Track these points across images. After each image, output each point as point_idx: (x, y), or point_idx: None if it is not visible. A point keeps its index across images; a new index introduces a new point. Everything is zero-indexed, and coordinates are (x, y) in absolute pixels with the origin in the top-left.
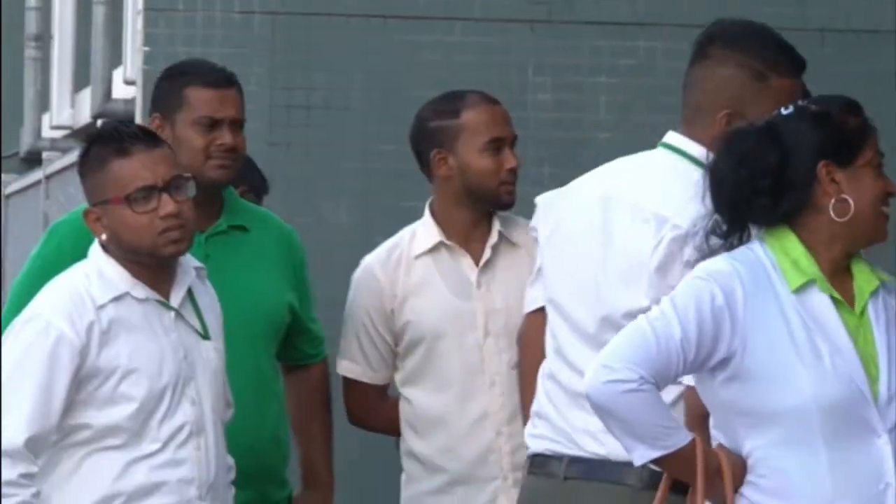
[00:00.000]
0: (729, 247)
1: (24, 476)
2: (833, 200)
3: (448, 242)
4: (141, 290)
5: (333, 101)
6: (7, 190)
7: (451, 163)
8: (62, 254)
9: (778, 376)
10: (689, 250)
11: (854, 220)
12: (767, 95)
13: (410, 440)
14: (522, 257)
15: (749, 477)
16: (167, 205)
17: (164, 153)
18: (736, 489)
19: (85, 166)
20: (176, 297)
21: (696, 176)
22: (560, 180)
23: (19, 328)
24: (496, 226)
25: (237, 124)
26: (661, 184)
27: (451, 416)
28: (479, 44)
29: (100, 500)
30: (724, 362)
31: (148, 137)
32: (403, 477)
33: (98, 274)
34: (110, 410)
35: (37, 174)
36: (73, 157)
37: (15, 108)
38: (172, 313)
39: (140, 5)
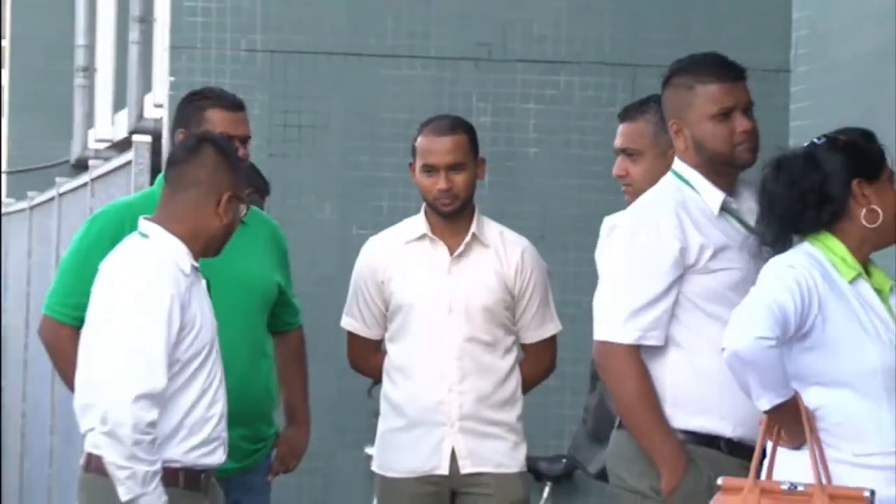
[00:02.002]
0: (776, 251)
1: (153, 424)
2: (864, 210)
3: (431, 235)
4: (191, 263)
5: (319, 121)
6: (61, 190)
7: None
8: (102, 238)
9: (850, 346)
10: None
11: (881, 226)
12: (696, 100)
13: (387, 386)
14: (490, 255)
15: (820, 425)
16: (243, 210)
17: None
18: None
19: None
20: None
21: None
22: (497, 185)
23: (145, 296)
24: (472, 227)
25: (244, 140)
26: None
27: (416, 372)
28: (434, 77)
29: (170, 431)
30: (806, 334)
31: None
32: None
33: (172, 251)
34: (186, 356)
35: (84, 177)
36: (113, 164)
37: (66, 125)
38: (204, 282)
39: (167, 44)
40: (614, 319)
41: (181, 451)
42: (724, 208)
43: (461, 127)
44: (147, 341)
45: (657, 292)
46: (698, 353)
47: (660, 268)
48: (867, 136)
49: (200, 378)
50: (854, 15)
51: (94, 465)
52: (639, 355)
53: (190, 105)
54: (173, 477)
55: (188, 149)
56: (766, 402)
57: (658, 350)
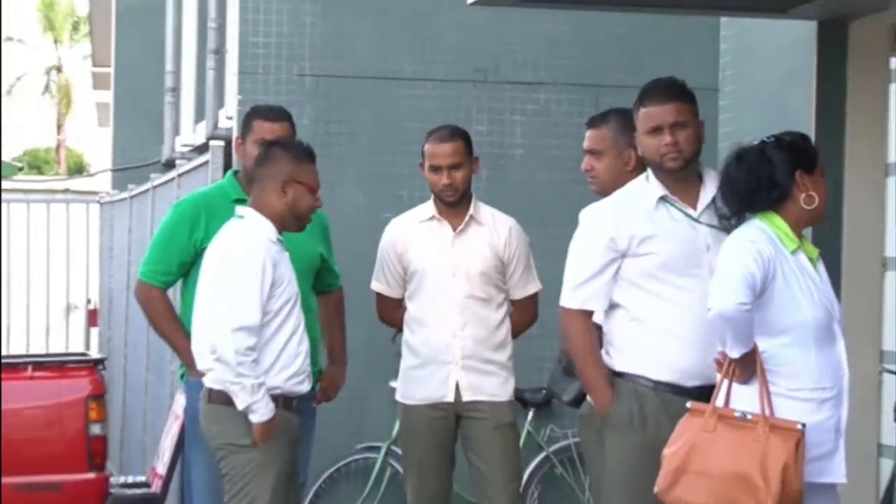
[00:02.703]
0: (731, 226)
1: (252, 348)
2: (804, 195)
3: (438, 217)
4: (277, 237)
5: (352, 130)
6: (154, 183)
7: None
8: (183, 220)
9: (791, 304)
10: None
11: (815, 208)
12: (638, 120)
13: (406, 333)
14: (484, 231)
15: (764, 366)
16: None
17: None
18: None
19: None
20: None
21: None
22: (491, 179)
23: (244, 256)
24: (470, 210)
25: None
26: None
27: (428, 322)
28: (441, 95)
29: (270, 365)
30: (761, 295)
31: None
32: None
33: (262, 226)
34: (277, 306)
35: (172, 174)
36: (194, 163)
37: (158, 133)
38: (287, 253)
39: (236, 70)
40: (566, 290)
41: (280, 381)
42: (666, 200)
43: (458, 134)
44: (246, 290)
45: (593, 271)
46: (636, 315)
47: (594, 252)
48: (804, 138)
49: (290, 323)
50: (771, 43)
51: (214, 397)
52: (584, 317)
53: (245, 118)
54: (274, 401)
55: (260, 155)
56: (736, 353)
57: (610, 311)
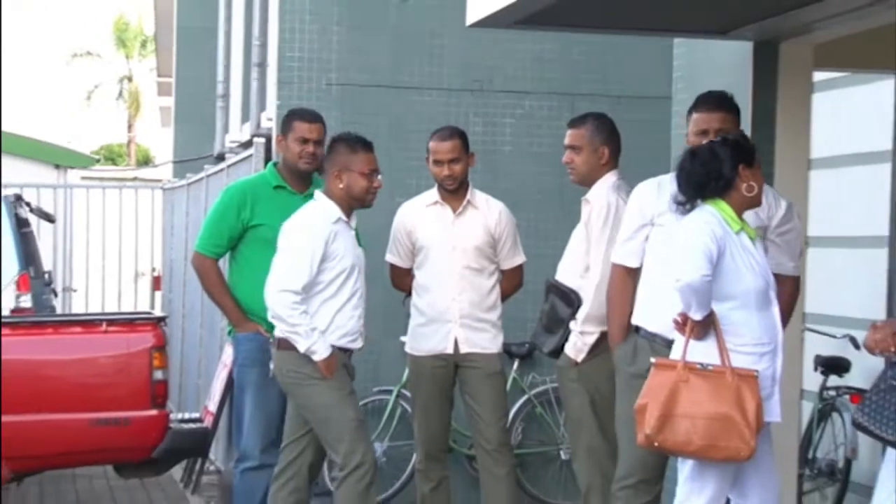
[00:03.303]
0: (685, 210)
1: (297, 303)
2: (745, 185)
3: (441, 201)
4: (339, 216)
5: (371, 131)
6: (207, 173)
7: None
8: (231, 203)
9: (736, 275)
10: None
11: (754, 196)
12: (690, 122)
13: (414, 297)
14: (479, 214)
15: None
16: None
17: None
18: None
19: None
20: (352, 223)
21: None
22: (484, 170)
23: (300, 232)
24: (468, 196)
25: (318, 142)
26: None
27: (432, 288)
28: (445, 101)
29: (326, 325)
30: (714, 268)
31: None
32: (411, 316)
33: (325, 208)
34: (331, 277)
35: (222, 165)
36: (240, 156)
37: (211, 131)
38: (352, 232)
39: (275, 80)
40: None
41: (334, 339)
42: None
43: (457, 134)
44: (295, 260)
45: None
46: (646, 280)
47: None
48: (745, 137)
49: (345, 290)
50: (715, 59)
51: (282, 345)
52: (620, 269)
53: (285, 119)
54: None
55: (327, 149)
56: (699, 315)
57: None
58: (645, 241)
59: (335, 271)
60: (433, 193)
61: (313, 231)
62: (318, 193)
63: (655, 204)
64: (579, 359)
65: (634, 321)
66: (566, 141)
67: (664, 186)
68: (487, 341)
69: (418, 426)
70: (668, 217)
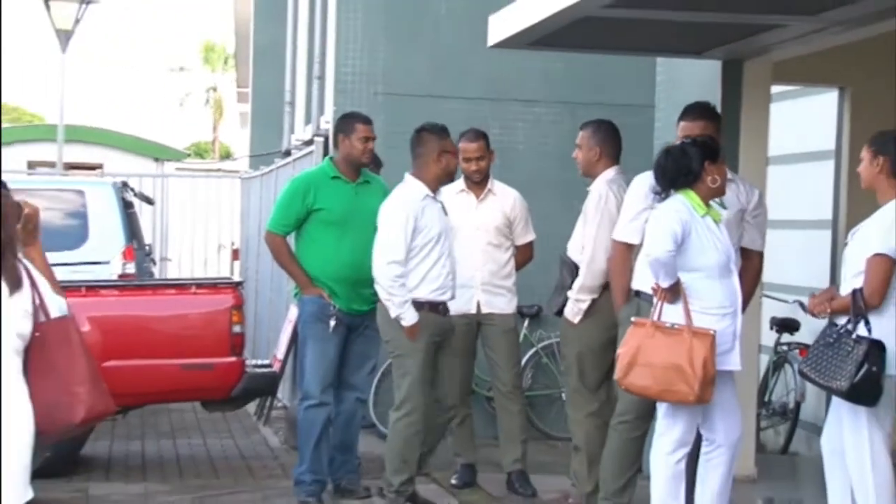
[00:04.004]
0: (662, 199)
1: (399, 276)
2: (710, 178)
3: (467, 190)
4: (426, 194)
5: (409, 130)
6: (277, 165)
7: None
8: (297, 190)
9: (701, 251)
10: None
11: (718, 187)
12: (678, 129)
13: None
14: (498, 200)
15: (686, 292)
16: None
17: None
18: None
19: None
20: (438, 197)
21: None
22: (502, 165)
23: (393, 210)
24: (489, 185)
25: (373, 140)
26: None
27: (458, 259)
28: (469, 108)
29: (418, 282)
30: (681, 245)
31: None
32: None
33: (413, 187)
34: (422, 243)
35: (289, 160)
36: (303, 152)
37: (279, 131)
38: (438, 205)
39: (332, 90)
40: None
41: (425, 293)
42: None
43: (481, 136)
44: (393, 233)
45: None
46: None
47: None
48: (714, 140)
49: (434, 254)
50: (690, 74)
51: (381, 306)
52: (622, 246)
53: (346, 121)
54: (421, 307)
55: (414, 140)
56: (666, 283)
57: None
58: (645, 223)
59: (425, 239)
60: (460, 183)
61: (405, 209)
62: (407, 176)
63: (650, 196)
64: (575, 320)
65: (635, 286)
66: (576, 141)
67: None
68: (504, 304)
69: (427, 372)
70: None
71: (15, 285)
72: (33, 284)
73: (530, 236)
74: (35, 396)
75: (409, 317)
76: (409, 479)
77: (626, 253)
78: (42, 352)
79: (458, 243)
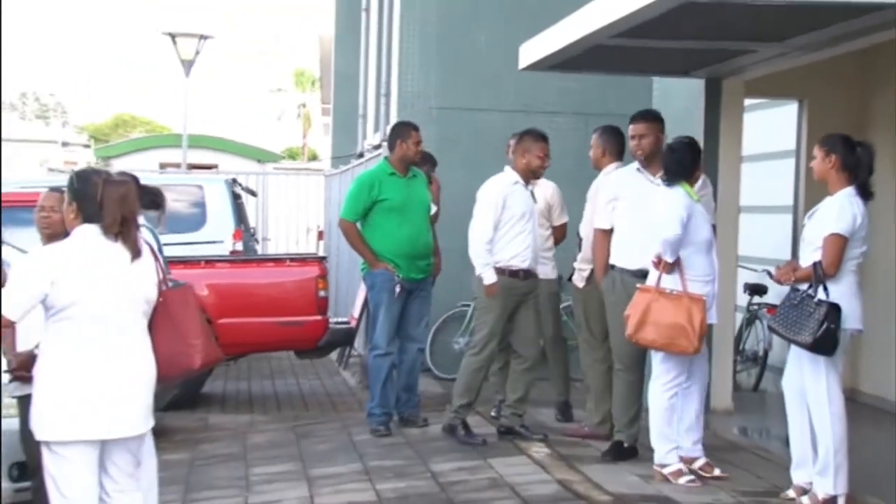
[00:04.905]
0: (670, 186)
1: (487, 242)
2: (697, 172)
3: (520, 181)
4: (514, 181)
5: (457, 137)
6: (352, 164)
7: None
8: (364, 185)
9: (696, 230)
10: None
11: (695, 180)
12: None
13: (501, 244)
14: (541, 189)
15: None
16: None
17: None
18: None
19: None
20: (529, 187)
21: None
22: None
23: (486, 194)
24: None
25: (421, 143)
26: None
27: (516, 236)
28: (504, 119)
29: (501, 248)
30: (685, 227)
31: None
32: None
33: (505, 176)
34: (509, 217)
35: (362, 160)
36: (372, 154)
37: (354, 138)
38: (528, 191)
39: (395, 105)
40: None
41: (507, 258)
42: (640, 171)
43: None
44: (484, 214)
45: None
46: (617, 234)
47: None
48: (696, 140)
49: (516, 228)
50: (679, 89)
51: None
52: (601, 232)
53: (402, 128)
54: (502, 272)
55: (517, 139)
56: (671, 259)
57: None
58: (612, 212)
59: (511, 215)
60: (513, 175)
61: (498, 190)
62: (507, 167)
63: (616, 186)
64: (580, 286)
65: (612, 262)
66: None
67: (621, 174)
68: (548, 271)
69: (500, 325)
70: (629, 192)
71: (136, 254)
72: (156, 259)
73: (564, 218)
74: (158, 349)
75: (488, 277)
76: (468, 403)
77: (604, 237)
78: (165, 313)
79: (512, 225)
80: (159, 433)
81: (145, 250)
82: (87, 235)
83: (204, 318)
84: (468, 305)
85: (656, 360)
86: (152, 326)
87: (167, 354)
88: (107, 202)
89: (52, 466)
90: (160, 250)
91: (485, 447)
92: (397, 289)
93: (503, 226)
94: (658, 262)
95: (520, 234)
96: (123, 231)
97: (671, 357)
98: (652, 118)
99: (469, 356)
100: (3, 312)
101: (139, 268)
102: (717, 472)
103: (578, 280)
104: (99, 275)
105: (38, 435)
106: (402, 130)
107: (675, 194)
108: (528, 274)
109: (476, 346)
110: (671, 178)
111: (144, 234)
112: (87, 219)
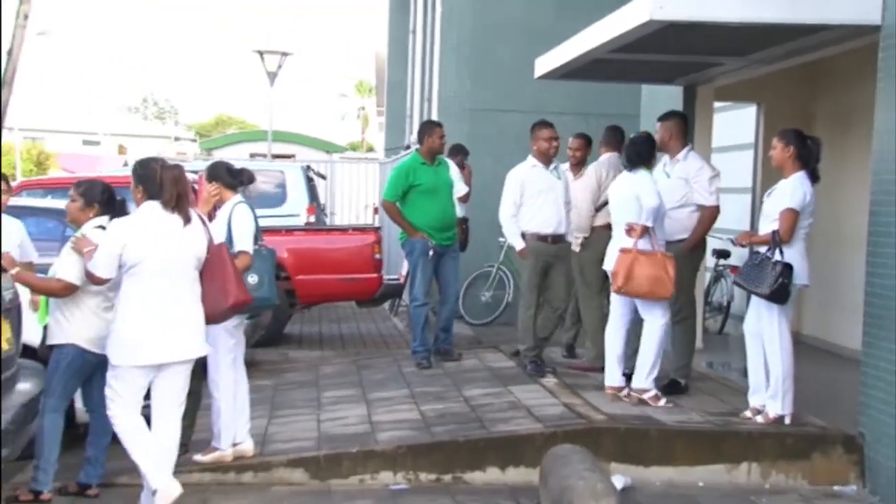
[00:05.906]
0: (631, 169)
1: (512, 215)
2: (652, 160)
3: (538, 164)
4: (539, 164)
5: (487, 133)
6: (399, 155)
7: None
8: (402, 171)
9: (660, 205)
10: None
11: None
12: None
13: (526, 219)
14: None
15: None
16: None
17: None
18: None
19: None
20: (549, 167)
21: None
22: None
23: (510, 175)
24: (553, 164)
25: (444, 136)
26: None
27: (546, 213)
28: (523, 118)
29: (528, 219)
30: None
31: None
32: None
33: (530, 160)
34: (530, 192)
35: (408, 151)
36: (416, 147)
37: (402, 133)
38: (548, 171)
39: (437, 107)
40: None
41: (535, 226)
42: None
43: (582, 136)
44: (510, 189)
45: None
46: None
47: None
48: (650, 136)
49: (538, 201)
50: (662, 94)
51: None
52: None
53: (429, 126)
54: (533, 237)
55: (531, 128)
56: (650, 224)
57: None
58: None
59: (531, 190)
60: (532, 160)
61: (512, 177)
62: (529, 155)
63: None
64: (577, 250)
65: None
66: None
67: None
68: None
69: (534, 280)
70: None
71: (187, 221)
72: (204, 224)
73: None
74: (204, 293)
75: (517, 243)
76: (532, 346)
77: (709, 213)
78: (208, 267)
79: (534, 201)
80: (250, 364)
81: (195, 218)
82: (151, 209)
83: (236, 268)
84: (493, 266)
85: (646, 308)
86: (202, 276)
87: (211, 300)
88: (165, 183)
89: (115, 382)
90: (255, 221)
91: (509, 378)
92: (430, 252)
93: (528, 200)
94: (630, 230)
95: (543, 205)
96: (178, 204)
97: (659, 303)
98: (620, 136)
99: (521, 308)
100: (97, 273)
101: (191, 231)
102: (662, 402)
103: (574, 245)
104: (159, 239)
105: (113, 360)
106: (428, 128)
107: (642, 176)
108: (556, 238)
109: (523, 299)
110: (633, 165)
111: (244, 209)
112: (150, 196)
